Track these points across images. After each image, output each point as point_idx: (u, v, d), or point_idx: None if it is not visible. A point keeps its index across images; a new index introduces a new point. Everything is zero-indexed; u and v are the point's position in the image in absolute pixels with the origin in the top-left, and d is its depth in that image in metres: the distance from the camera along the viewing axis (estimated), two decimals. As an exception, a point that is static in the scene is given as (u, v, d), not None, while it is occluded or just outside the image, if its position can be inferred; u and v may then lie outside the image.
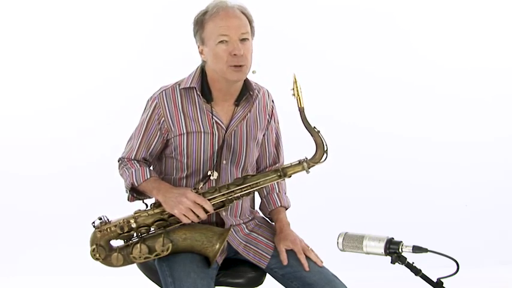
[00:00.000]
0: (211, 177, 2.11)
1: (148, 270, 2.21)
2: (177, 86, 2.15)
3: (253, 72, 2.10)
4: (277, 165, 2.29)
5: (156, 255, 2.03)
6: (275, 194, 2.30)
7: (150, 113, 2.14)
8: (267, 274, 2.21)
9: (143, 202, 2.11)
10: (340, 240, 1.85)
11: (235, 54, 2.01)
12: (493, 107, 4.19)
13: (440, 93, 4.17)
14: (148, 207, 2.06)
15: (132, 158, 2.18)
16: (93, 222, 2.05)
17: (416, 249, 1.77)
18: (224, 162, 2.15)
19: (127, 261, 2.06)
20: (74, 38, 4.04)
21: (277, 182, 2.31)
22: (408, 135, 4.14)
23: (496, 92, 4.20)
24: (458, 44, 4.17)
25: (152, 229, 2.05)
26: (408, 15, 4.17)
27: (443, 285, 1.76)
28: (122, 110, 3.52)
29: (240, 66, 2.03)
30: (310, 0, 4.12)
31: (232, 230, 2.17)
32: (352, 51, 4.14)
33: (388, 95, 4.15)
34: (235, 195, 2.02)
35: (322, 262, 2.14)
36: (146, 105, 2.17)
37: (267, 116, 2.27)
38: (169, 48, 3.85)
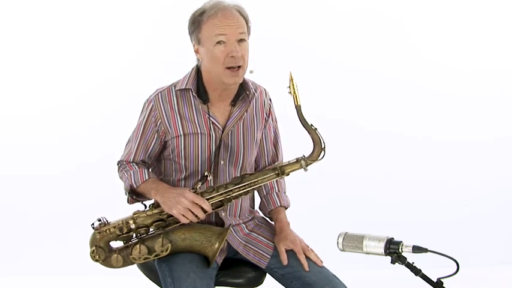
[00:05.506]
0: (209, 178, 2.11)
1: (148, 270, 2.21)
2: (173, 88, 2.15)
3: (251, 72, 2.11)
4: (275, 163, 2.28)
5: (156, 256, 2.03)
6: (274, 194, 2.30)
7: (146, 116, 2.14)
8: (267, 274, 2.21)
9: (142, 203, 2.11)
10: (340, 240, 1.85)
11: (232, 56, 2.01)
12: (493, 106, 4.18)
13: (440, 93, 4.17)
14: (147, 208, 2.06)
15: (131, 160, 2.19)
16: (93, 224, 2.05)
17: (416, 249, 1.77)
18: (222, 162, 2.15)
19: (127, 262, 2.06)
20: (75, 38, 4.04)
21: (277, 182, 2.31)
22: (408, 134, 4.14)
23: (496, 91, 4.20)
24: (458, 44, 4.17)
25: (151, 230, 2.05)
26: (407, 14, 4.17)
27: (443, 285, 1.76)
28: (122, 110, 3.51)
29: (237, 68, 2.03)
30: (307, -1, 4.14)
31: (232, 230, 2.18)
32: (350, 49, 4.13)
33: (387, 94, 4.15)
34: (233, 195, 2.02)
35: (322, 262, 2.14)
36: (143, 108, 2.17)
37: (265, 115, 2.26)
38: (169, 49, 3.84)
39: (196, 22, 2.06)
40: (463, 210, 4.09)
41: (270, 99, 2.31)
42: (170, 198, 1.99)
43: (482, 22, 4.15)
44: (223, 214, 2.16)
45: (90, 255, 2.04)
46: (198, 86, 2.13)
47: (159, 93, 2.14)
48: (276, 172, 2.03)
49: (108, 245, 2.06)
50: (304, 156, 2.01)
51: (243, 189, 2.03)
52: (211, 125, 2.12)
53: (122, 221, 2.04)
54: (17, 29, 4.03)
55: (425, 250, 1.76)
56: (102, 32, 4.04)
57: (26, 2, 4.02)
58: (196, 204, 1.97)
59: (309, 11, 4.11)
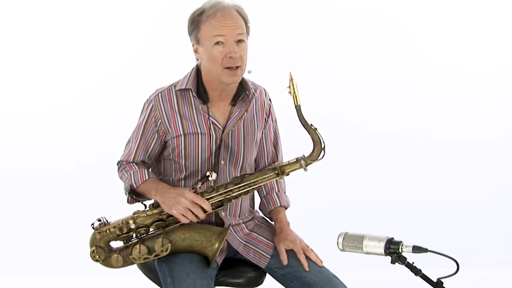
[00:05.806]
0: (210, 178, 2.11)
1: (148, 270, 2.21)
2: (173, 88, 2.15)
3: (249, 72, 2.11)
4: (275, 163, 2.28)
5: (156, 256, 2.03)
6: (274, 194, 2.30)
7: (146, 116, 2.14)
8: (267, 274, 2.21)
9: (142, 203, 2.11)
10: (340, 240, 1.85)
11: (230, 57, 2.01)
12: (493, 106, 4.18)
13: (440, 93, 4.17)
14: (147, 208, 2.06)
15: (131, 160, 2.19)
16: (93, 224, 2.05)
17: (416, 249, 1.77)
18: (222, 162, 2.15)
19: (127, 262, 2.06)
20: (75, 38, 4.04)
21: (277, 182, 2.31)
22: (408, 134, 4.14)
23: (496, 91, 4.20)
24: (458, 44, 4.17)
25: (151, 230, 2.05)
26: (407, 15, 4.17)
27: (443, 285, 1.76)
28: (122, 110, 3.52)
29: (236, 68, 2.03)
30: (306, -1, 4.14)
31: (232, 230, 2.18)
32: (350, 50, 4.13)
33: (387, 94, 4.15)
34: (233, 195, 2.02)
35: (322, 262, 2.14)
36: (143, 108, 2.17)
37: (265, 115, 2.26)
38: (169, 49, 3.84)
39: (196, 22, 2.06)
40: (463, 210, 4.09)
41: (270, 99, 2.31)
42: (170, 198, 1.99)
43: (482, 22, 4.15)
44: (223, 214, 2.16)
45: (90, 255, 2.04)
46: (198, 86, 2.13)
47: (159, 93, 2.14)
48: (276, 172, 2.03)
49: (108, 245, 2.06)
50: (304, 156, 2.01)
51: (243, 189, 2.03)
52: (211, 124, 2.12)
53: (122, 221, 2.04)
54: (17, 29, 4.03)
55: (425, 250, 1.76)
56: (102, 32, 4.04)
57: (26, 2, 4.01)
58: (196, 204, 1.97)
59: (309, 11, 4.11)
